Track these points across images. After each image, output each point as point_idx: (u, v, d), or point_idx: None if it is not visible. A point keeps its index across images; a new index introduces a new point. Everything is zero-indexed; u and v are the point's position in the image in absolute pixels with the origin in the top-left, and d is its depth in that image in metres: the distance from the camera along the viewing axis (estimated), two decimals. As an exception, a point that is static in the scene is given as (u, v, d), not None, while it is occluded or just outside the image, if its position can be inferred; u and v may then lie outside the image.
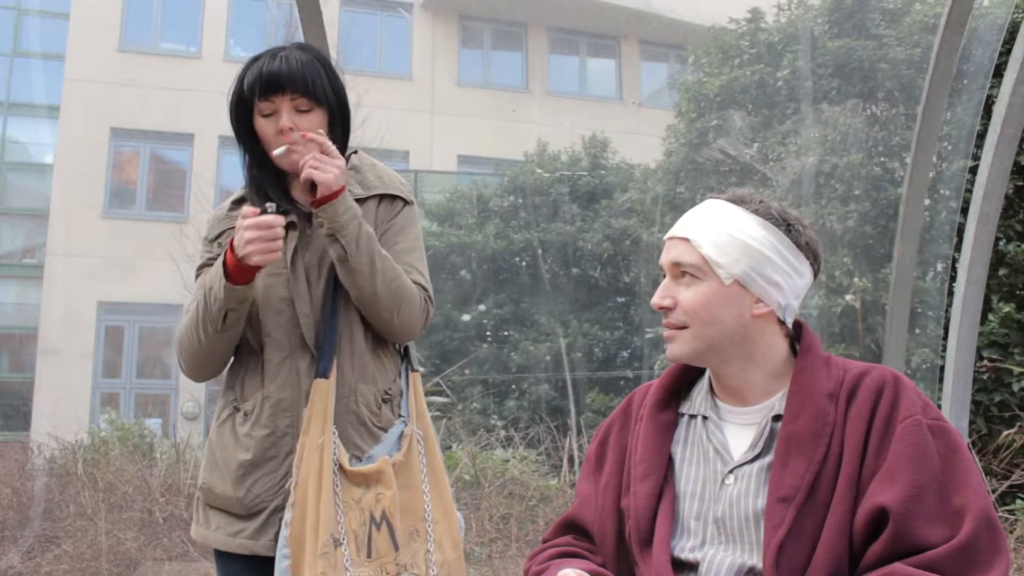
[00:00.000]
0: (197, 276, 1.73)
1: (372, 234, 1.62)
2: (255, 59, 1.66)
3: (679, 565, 1.26)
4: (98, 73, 12.24)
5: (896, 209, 4.38)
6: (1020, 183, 5.28)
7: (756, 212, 1.29)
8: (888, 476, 1.15)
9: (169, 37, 13.38)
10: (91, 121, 12.16)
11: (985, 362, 4.91)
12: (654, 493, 1.29)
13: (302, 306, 1.64)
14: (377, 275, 1.60)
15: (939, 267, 5.79)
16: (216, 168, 12.26)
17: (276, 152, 1.62)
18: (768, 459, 1.24)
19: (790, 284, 1.28)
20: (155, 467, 5.56)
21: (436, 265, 9.73)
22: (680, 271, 1.30)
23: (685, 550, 1.26)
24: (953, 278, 3.69)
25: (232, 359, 1.71)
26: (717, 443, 1.30)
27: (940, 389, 3.17)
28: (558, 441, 6.03)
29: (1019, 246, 5.22)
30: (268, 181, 1.68)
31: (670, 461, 1.33)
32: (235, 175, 1.88)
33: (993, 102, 3.23)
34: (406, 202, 1.75)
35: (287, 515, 1.55)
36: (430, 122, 13.51)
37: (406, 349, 1.77)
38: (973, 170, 3.82)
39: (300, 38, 2.72)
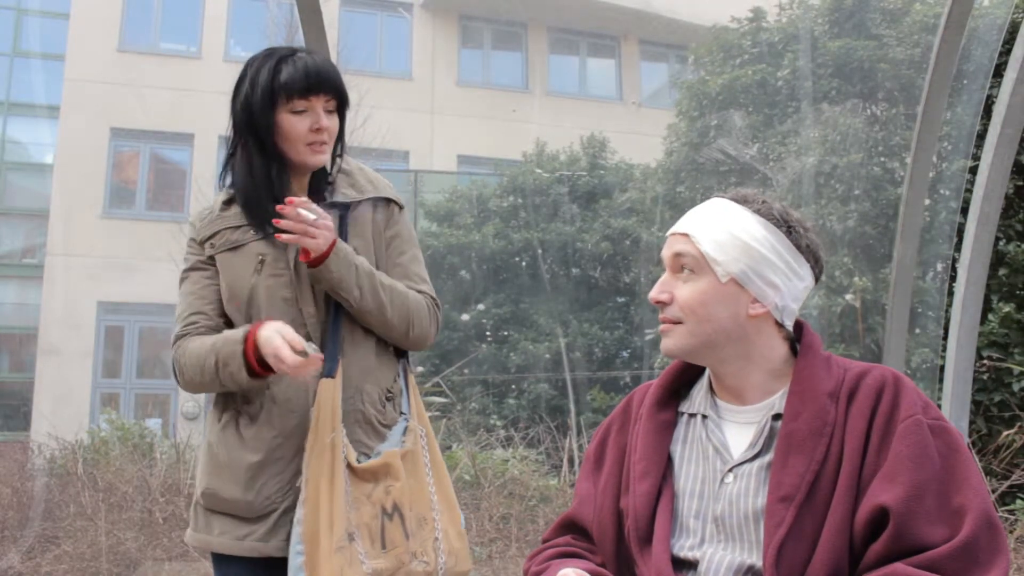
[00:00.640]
0: (184, 279, 1.71)
1: (371, 271, 1.65)
2: (279, 57, 1.65)
3: (678, 564, 1.26)
4: (98, 73, 12.24)
5: (896, 209, 4.38)
6: (1020, 183, 5.28)
7: (758, 212, 1.29)
8: (889, 476, 1.15)
9: (169, 37, 13.38)
10: (91, 121, 12.16)
11: (985, 362, 4.91)
12: (653, 492, 1.29)
13: (307, 307, 1.65)
14: (385, 308, 1.65)
15: (939, 267, 5.79)
16: (216, 168, 12.25)
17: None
18: (768, 458, 1.24)
19: (788, 286, 1.28)
20: (155, 467, 5.56)
21: (436, 265, 9.73)
22: (679, 266, 1.30)
23: (684, 548, 1.26)
24: (953, 278, 3.68)
25: None
26: (717, 442, 1.30)
27: (940, 389, 3.17)
28: (558, 441, 6.03)
29: (1019, 246, 5.22)
30: (273, 178, 1.67)
31: (669, 460, 1.33)
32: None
33: (993, 102, 3.23)
34: (400, 206, 1.79)
35: (299, 512, 1.56)
36: (430, 122, 13.51)
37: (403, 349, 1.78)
38: (973, 170, 3.82)
39: (300, 38, 2.72)
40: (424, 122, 13.43)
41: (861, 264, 6.84)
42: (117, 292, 11.97)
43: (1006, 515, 4.12)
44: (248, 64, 1.68)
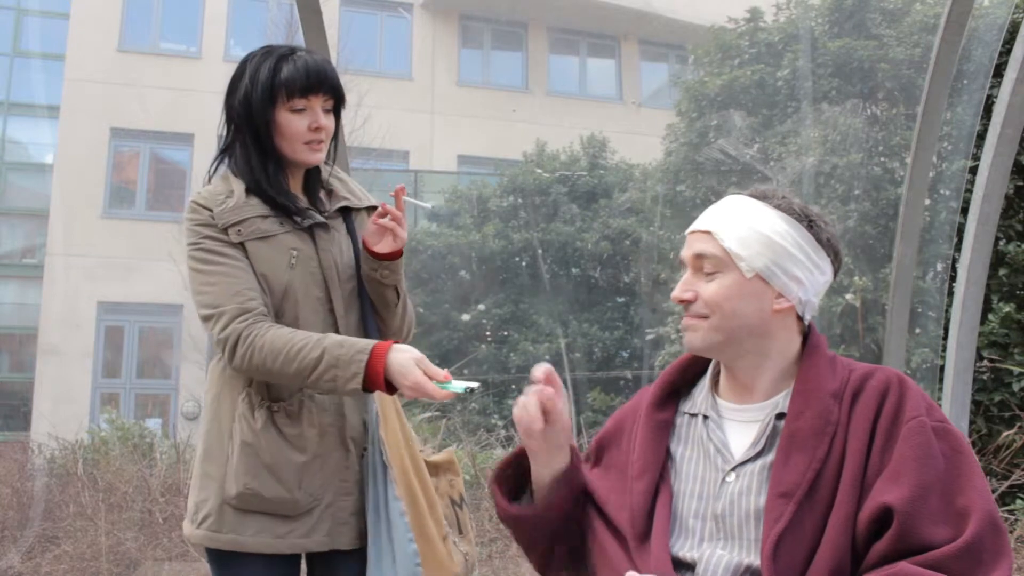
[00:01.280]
0: (208, 260, 1.61)
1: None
2: (279, 55, 1.66)
3: (677, 564, 1.26)
4: (98, 73, 12.24)
5: (896, 209, 4.38)
6: (1020, 183, 5.27)
7: (779, 208, 1.30)
8: (893, 476, 1.16)
9: (169, 37, 13.38)
10: (91, 121, 12.17)
11: (985, 361, 4.90)
12: (650, 490, 1.30)
13: (339, 307, 1.67)
14: (407, 310, 1.75)
15: (939, 267, 5.79)
16: (216, 168, 12.24)
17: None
18: (770, 457, 1.24)
19: (811, 280, 1.29)
20: (155, 467, 5.56)
21: (435, 265, 9.73)
22: (702, 264, 1.30)
23: (683, 548, 1.26)
24: (953, 278, 3.68)
25: None
26: (718, 441, 1.30)
27: (940, 389, 3.17)
28: (558, 441, 6.02)
29: (1019, 246, 5.22)
30: (269, 175, 1.67)
31: (670, 460, 1.34)
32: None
33: (993, 102, 3.23)
34: None
35: (399, 504, 1.61)
36: (430, 122, 13.51)
37: None
38: (973, 170, 3.82)
39: (300, 38, 2.72)
40: (424, 122, 13.43)
41: (861, 264, 6.84)
42: (117, 292, 11.97)
43: (1006, 515, 4.12)
44: (246, 60, 1.68)
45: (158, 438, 7.23)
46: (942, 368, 3.17)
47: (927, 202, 5.42)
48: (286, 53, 1.66)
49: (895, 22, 7.77)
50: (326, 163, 1.76)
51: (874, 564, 1.14)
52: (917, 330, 5.69)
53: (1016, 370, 4.85)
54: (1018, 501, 4.31)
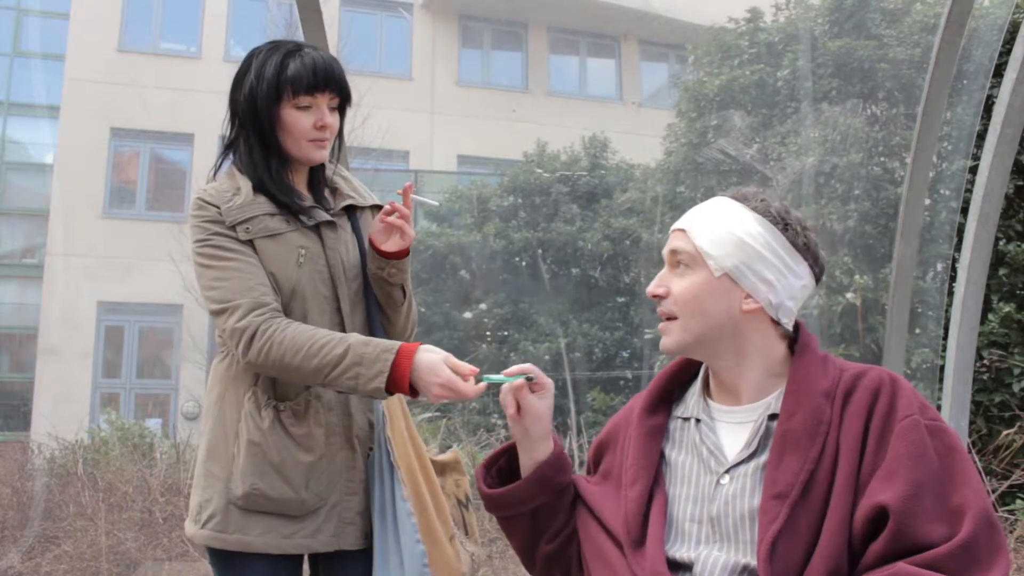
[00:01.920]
0: (217, 255, 1.59)
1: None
2: (285, 52, 1.64)
3: (673, 565, 1.26)
4: (98, 73, 12.24)
5: (896, 209, 4.38)
6: (1020, 183, 5.27)
7: (755, 210, 1.31)
8: (887, 475, 1.16)
9: (169, 37, 13.38)
10: (91, 121, 12.17)
11: (986, 362, 4.90)
12: (643, 496, 1.31)
13: (345, 304, 1.66)
14: (412, 309, 1.74)
15: (939, 267, 5.79)
16: (216, 168, 12.24)
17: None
18: (763, 458, 1.24)
19: (783, 283, 1.29)
20: (155, 467, 5.56)
21: (436, 265, 9.73)
22: (676, 261, 1.33)
23: (680, 551, 1.27)
24: (953, 278, 3.68)
25: None
26: (711, 444, 1.30)
27: (940, 389, 3.16)
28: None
29: (1019, 246, 5.22)
30: (272, 172, 1.66)
31: (664, 464, 1.34)
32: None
33: (993, 102, 3.23)
34: None
35: (407, 504, 1.60)
36: (430, 122, 13.51)
37: None
38: (973, 170, 3.82)
39: (300, 38, 2.72)
40: (424, 122, 13.43)
41: (861, 264, 6.84)
42: (117, 292, 11.97)
43: (1006, 515, 4.12)
44: (252, 56, 1.67)
45: (158, 438, 7.23)
46: (942, 368, 3.17)
47: (927, 202, 5.42)
48: (293, 49, 1.65)
49: (895, 22, 7.77)
50: (331, 161, 1.76)
51: (871, 564, 1.14)
52: (917, 330, 5.69)
53: (1016, 369, 4.85)
54: (1018, 501, 4.31)
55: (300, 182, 1.72)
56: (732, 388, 1.32)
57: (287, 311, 1.62)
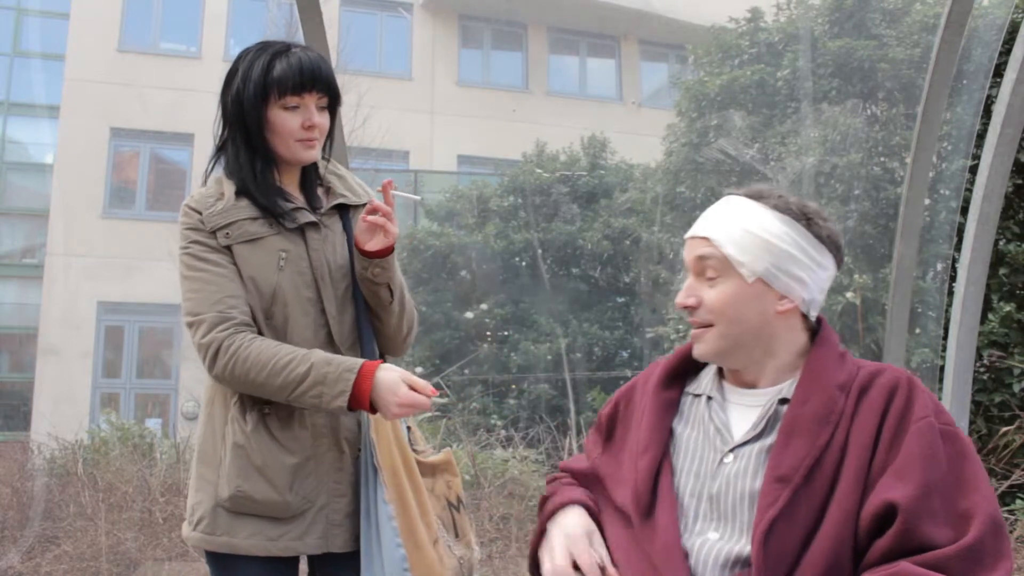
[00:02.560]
0: (195, 265, 1.61)
1: (403, 279, 1.71)
2: (272, 52, 1.64)
3: None
4: (98, 73, 12.25)
5: (896, 209, 4.38)
6: (1020, 182, 5.27)
7: (775, 208, 1.29)
8: (899, 473, 1.16)
9: (169, 37, 13.38)
10: (91, 121, 12.17)
11: (986, 361, 4.90)
12: (653, 466, 1.30)
13: (330, 307, 1.64)
14: (405, 310, 1.71)
15: (939, 267, 5.79)
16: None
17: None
18: (769, 440, 1.24)
19: (813, 278, 1.29)
20: (155, 467, 5.56)
21: (436, 265, 9.73)
22: (704, 269, 1.30)
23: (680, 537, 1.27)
24: (953, 278, 3.68)
25: None
26: (719, 422, 1.30)
27: (940, 389, 3.16)
28: (558, 441, 6.03)
29: (1019, 246, 5.22)
30: (257, 173, 1.66)
31: (672, 437, 1.34)
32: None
33: (993, 102, 3.23)
34: None
35: (389, 508, 1.58)
36: (430, 122, 13.51)
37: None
38: (973, 169, 3.82)
39: (300, 38, 2.72)
40: (424, 122, 13.43)
41: (861, 264, 6.84)
42: (117, 292, 11.97)
43: (1006, 515, 4.12)
44: (240, 57, 1.66)
45: (158, 438, 7.22)
46: (942, 368, 3.17)
47: (927, 202, 5.42)
48: (281, 50, 1.64)
49: (895, 22, 7.77)
50: (324, 158, 1.75)
51: (875, 561, 1.14)
52: (917, 330, 5.69)
53: (1017, 369, 4.84)
54: (1018, 501, 4.31)
55: (290, 183, 1.70)
56: (750, 377, 1.32)
57: (269, 315, 1.61)
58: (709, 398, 1.34)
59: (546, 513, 1.39)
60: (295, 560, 1.65)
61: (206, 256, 1.61)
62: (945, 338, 3.16)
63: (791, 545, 1.16)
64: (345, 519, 1.63)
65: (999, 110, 2.85)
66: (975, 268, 2.96)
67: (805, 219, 1.29)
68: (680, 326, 7.75)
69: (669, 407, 1.36)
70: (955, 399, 3.01)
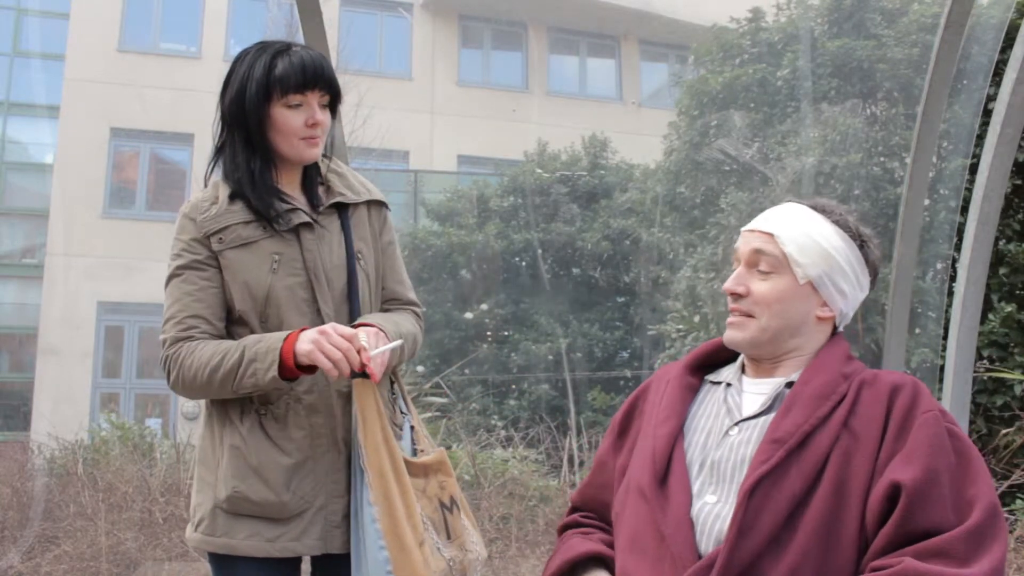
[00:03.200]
0: (176, 276, 1.62)
1: (400, 334, 1.65)
2: (273, 51, 1.64)
3: None
4: (98, 73, 12.25)
5: (896, 209, 4.38)
6: (1019, 182, 5.27)
7: (836, 223, 1.38)
8: (906, 458, 1.20)
9: (169, 37, 13.38)
10: (91, 121, 12.17)
11: (985, 361, 4.90)
12: (672, 435, 1.35)
13: (326, 307, 1.64)
14: (405, 353, 1.70)
15: (939, 267, 5.79)
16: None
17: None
18: (773, 415, 1.31)
19: (853, 295, 1.39)
20: (155, 467, 5.56)
21: (437, 265, 9.73)
22: (758, 261, 1.37)
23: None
24: (953, 278, 3.68)
25: None
26: (732, 403, 1.37)
27: (940, 389, 3.16)
28: (558, 441, 6.03)
29: (1019, 246, 5.22)
30: (255, 174, 1.66)
31: (687, 418, 1.41)
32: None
33: (993, 102, 3.23)
34: (388, 209, 1.82)
35: (372, 510, 1.57)
36: (430, 122, 13.51)
37: None
38: (973, 169, 3.82)
39: (300, 38, 2.72)
40: (424, 122, 13.43)
41: (861, 264, 6.83)
42: (117, 292, 11.97)
43: (1006, 515, 4.12)
44: (240, 57, 1.67)
45: (158, 438, 7.22)
46: (942, 368, 3.17)
47: (927, 202, 5.42)
48: (281, 49, 1.65)
49: (893, 22, 7.77)
50: (325, 157, 1.75)
51: (881, 547, 1.18)
52: (917, 330, 5.69)
53: (1009, 377, 4.84)
54: (1018, 501, 4.32)
55: (291, 182, 1.71)
56: (770, 368, 1.39)
57: (264, 318, 1.62)
58: (728, 384, 1.40)
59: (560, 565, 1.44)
60: (296, 561, 1.65)
61: (183, 269, 1.63)
62: (945, 338, 3.16)
63: (777, 505, 1.20)
64: (343, 520, 1.63)
65: (999, 110, 2.84)
66: (975, 268, 2.96)
67: (860, 240, 1.39)
68: (680, 326, 7.75)
69: (690, 390, 1.43)
70: (955, 399, 3.01)
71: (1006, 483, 4.13)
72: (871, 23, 7.80)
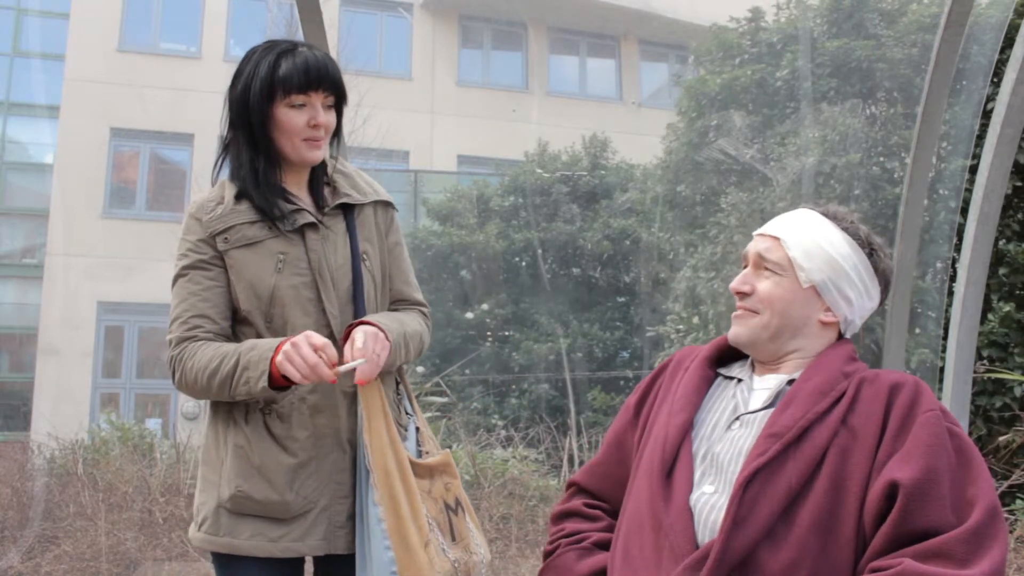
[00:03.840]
0: (181, 276, 1.64)
1: (403, 333, 1.65)
2: (279, 51, 1.64)
3: None
4: (98, 73, 12.24)
5: (895, 209, 4.38)
6: (1019, 182, 5.27)
7: (846, 230, 1.40)
8: (906, 457, 1.21)
9: (169, 37, 13.38)
10: (91, 121, 12.16)
11: (979, 366, 4.90)
12: (683, 426, 1.37)
13: (331, 307, 1.64)
14: (410, 353, 1.70)
15: (939, 267, 5.79)
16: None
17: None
18: (774, 410, 1.32)
19: (860, 303, 1.40)
20: (155, 467, 5.56)
21: (437, 265, 9.73)
22: (763, 264, 1.40)
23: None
24: (953, 278, 3.69)
25: None
26: (740, 399, 1.39)
27: (940, 389, 3.17)
28: (558, 441, 6.03)
29: (1019, 246, 5.22)
30: (260, 173, 1.65)
31: (698, 411, 1.42)
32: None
33: (992, 102, 3.23)
34: (395, 209, 1.83)
35: (377, 510, 1.56)
36: (430, 122, 13.51)
37: None
38: (973, 169, 3.82)
39: (300, 38, 2.72)
40: (424, 122, 13.43)
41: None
42: (117, 292, 11.97)
43: (1006, 515, 4.12)
44: (247, 56, 1.67)
45: (158, 438, 7.22)
46: (942, 368, 3.17)
47: (926, 202, 5.42)
48: (288, 48, 1.64)
49: (892, 22, 7.77)
50: (332, 157, 1.75)
51: (879, 548, 1.18)
52: (917, 330, 5.69)
53: (1008, 378, 4.84)
54: (1018, 501, 4.32)
55: (297, 183, 1.70)
56: (774, 368, 1.41)
57: (269, 318, 1.62)
58: (739, 380, 1.42)
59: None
60: (299, 562, 1.65)
61: (189, 268, 1.64)
62: (945, 338, 3.16)
63: (772, 498, 1.21)
64: (348, 521, 1.63)
65: (999, 110, 2.84)
66: (975, 268, 2.96)
67: (869, 248, 1.40)
68: (680, 326, 7.76)
69: (705, 381, 1.45)
70: (955, 399, 3.01)
71: (1006, 483, 4.13)
72: (870, 23, 7.80)
